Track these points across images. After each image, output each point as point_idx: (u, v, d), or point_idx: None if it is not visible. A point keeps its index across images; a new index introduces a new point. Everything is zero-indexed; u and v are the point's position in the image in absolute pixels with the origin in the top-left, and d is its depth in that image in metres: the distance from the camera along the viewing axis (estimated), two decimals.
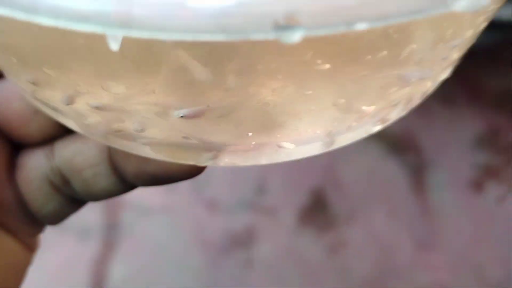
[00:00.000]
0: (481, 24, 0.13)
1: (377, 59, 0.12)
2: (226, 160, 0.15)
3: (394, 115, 0.16)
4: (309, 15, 0.08)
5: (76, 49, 0.11)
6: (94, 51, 0.10)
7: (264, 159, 0.15)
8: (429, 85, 0.15)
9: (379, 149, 0.40)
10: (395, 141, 0.41)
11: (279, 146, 0.15)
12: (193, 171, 0.16)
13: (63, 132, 0.18)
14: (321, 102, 0.13)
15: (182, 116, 0.13)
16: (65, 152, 0.17)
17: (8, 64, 0.13)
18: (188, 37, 0.08)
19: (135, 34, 0.08)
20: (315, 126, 0.14)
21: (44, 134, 0.18)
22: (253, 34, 0.08)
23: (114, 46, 0.09)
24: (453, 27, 0.12)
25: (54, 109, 0.15)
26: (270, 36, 0.08)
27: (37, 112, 0.17)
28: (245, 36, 0.08)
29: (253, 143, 0.14)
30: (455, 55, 0.14)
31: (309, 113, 0.13)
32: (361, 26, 0.08)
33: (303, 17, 0.08)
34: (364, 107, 0.14)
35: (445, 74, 0.16)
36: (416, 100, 0.16)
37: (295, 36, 0.08)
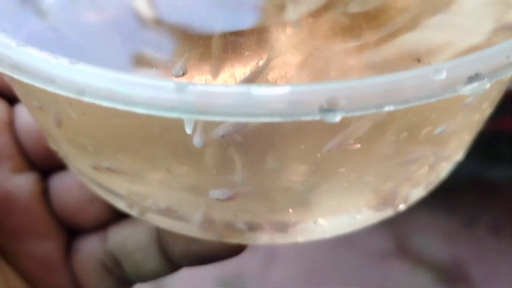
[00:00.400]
0: (486, 109, 0.16)
1: (399, 140, 0.14)
2: (266, 238, 0.17)
3: (416, 194, 0.18)
4: (347, 101, 0.10)
5: (151, 136, 0.13)
6: (166, 137, 0.13)
7: (301, 237, 0.17)
8: (445, 165, 0.17)
9: (428, 279, 0.41)
10: (444, 271, 0.41)
11: (315, 223, 0.17)
12: (236, 250, 0.18)
13: (116, 218, 0.20)
14: (352, 179, 0.15)
15: (217, 198, 0.15)
16: (117, 236, 0.19)
17: (80, 154, 0.16)
18: (252, 120, 0.10)
19: (211, 118, 0.10)
20: (347, 203, 0.16)
21: (98, 221, 0.20)
22: (303, 116, 0.10)
23: (189, 130, 0.11)
24: (463, 111, 0.14)
25: (115, 193, 0.17)
26: (317, 117, 0.10)
27: (92, 200, 0.19)
28: (297, 118, 0.10)
29: (292, 219, 0.16)
30: (466, 137, 0.16)
31: (341, 190, 0.15)
32: (388, 108, 0.11)
33: (342, 102, 0.10)
34: (389, 184, 0.16)
35: (459, 155, 0.18)
36: (435, 181, 0.18)
37: (336, 117, 0.10)
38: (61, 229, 0.20)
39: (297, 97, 0.10)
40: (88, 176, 0.17)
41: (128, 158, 0.14)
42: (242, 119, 0.10)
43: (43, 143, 0.19)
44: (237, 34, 0.14)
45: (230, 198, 0.15)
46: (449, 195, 0.41)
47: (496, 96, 0.15)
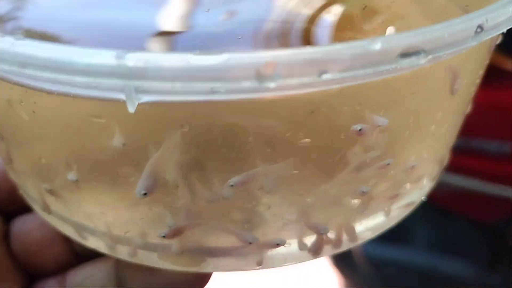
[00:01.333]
0: (443, 124, 0.16)
1: (347, 139, 0.14)
2: (225, 265, 0.16)
3: (380, 223, 0.17)
4: (283, 67, 0.10)
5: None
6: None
7: (263, 263, 0.16)
8: (405, 192, 0.17)
9: None
10: None
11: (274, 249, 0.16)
12: (197, 281, 0.17)
13: (75, 262, 0.19)
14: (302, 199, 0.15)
15: (164, 236, 0.15)
16: (76, 278, 0.19)
17: (34, 172, 0.16)
18: (192, 86, 0.10)
19: (148, 84, 0.10)
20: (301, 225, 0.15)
21: (57, 263, 0.19)
22: (240, 81, 0.10)
23: (131, 108, 0.11)
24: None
25: (69, 221, 0.16)
26: (254, 83, 0.10)
27: (53, 240, 0.19)
28: (234, 83, 0.10)
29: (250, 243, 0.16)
30: (425, 155, 0.16)
31: (294, 205, 0.15)
32: (326, 77, 0.11)
33: (279, 68, 0.10)
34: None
35: (422, 179, 0.17)
36: (396, 214, 0.17)
37: (272, 83, 0.10)
38: (21, 273, 0.19)
39: (234, 62, 0.10)
40: (44, 204, 0.16)
41: (79, 166, 0.14)
42: (180, 84, 0.10)
43: (7, 187, 0.19)
44: None
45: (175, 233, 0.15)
46: None
47: (450, 108, 0.16)
